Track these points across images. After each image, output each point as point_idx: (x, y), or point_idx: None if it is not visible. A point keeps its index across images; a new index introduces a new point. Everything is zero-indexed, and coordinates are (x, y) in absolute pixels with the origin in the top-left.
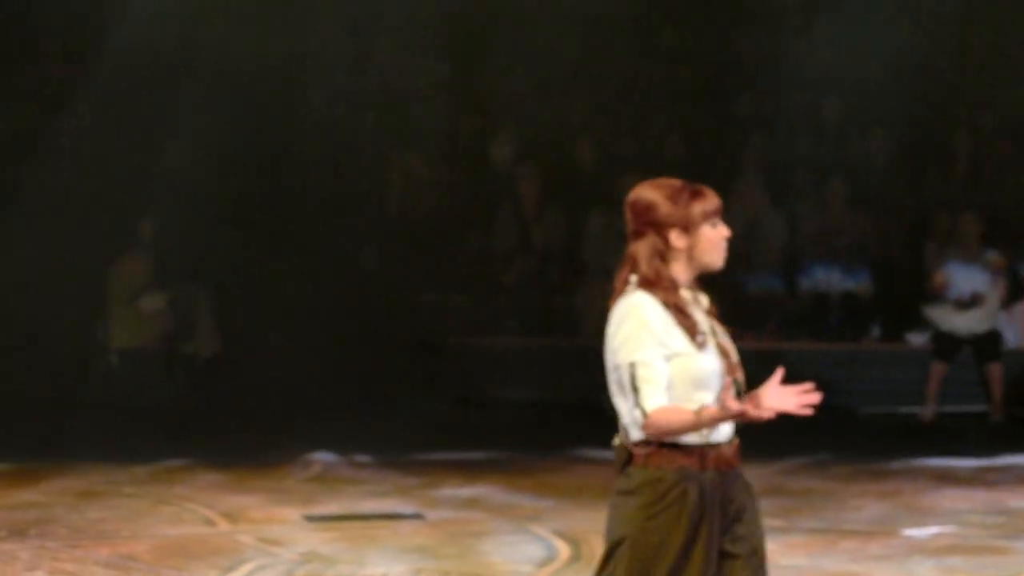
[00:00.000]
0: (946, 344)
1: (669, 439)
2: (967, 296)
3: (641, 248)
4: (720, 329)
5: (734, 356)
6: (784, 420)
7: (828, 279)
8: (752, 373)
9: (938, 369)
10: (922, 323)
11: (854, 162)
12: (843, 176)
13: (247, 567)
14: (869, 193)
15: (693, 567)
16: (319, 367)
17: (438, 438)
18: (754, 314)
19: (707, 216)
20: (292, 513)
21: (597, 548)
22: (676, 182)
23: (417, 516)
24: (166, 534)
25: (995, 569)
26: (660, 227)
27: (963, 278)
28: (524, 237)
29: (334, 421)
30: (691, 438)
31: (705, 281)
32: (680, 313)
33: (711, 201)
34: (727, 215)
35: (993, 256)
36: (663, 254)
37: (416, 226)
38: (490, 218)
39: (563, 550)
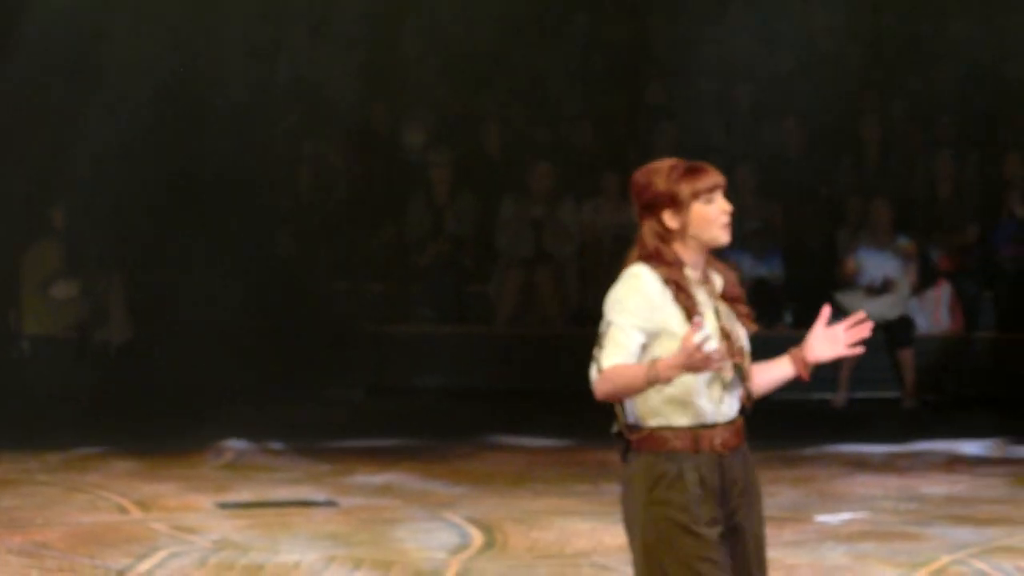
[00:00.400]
0: None
1: (659, 422)
2: (878, 282)
3: (644, 230)
4: (730, 311)
5: (739, 340)
6: None
7: (740, 266)
8: None
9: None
10: (834, 309)
11: (766, 149)
12: (755, 163)
13: (160, 555)
14: (780, 180)
15: (700, 550)
16: (232, 354)
17: (351, 425)
18: None
19: (697, 194)
20: (205, 500)
21: (510, 534)
22: (670, 162)
23: (330, 503)
24: (79, 522)
25: (907, 555)
26: (654, 208)
27: (874, 264)
28: (436, 224)
29: (247, 408)
30: (683, 420)
31: (620, 267)
32: (679, 291)
33: (703, 178)
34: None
35: (904, 242)
36: (662, 235)
37: (328, 213)
38: (402, 205)
39: (476, 537)
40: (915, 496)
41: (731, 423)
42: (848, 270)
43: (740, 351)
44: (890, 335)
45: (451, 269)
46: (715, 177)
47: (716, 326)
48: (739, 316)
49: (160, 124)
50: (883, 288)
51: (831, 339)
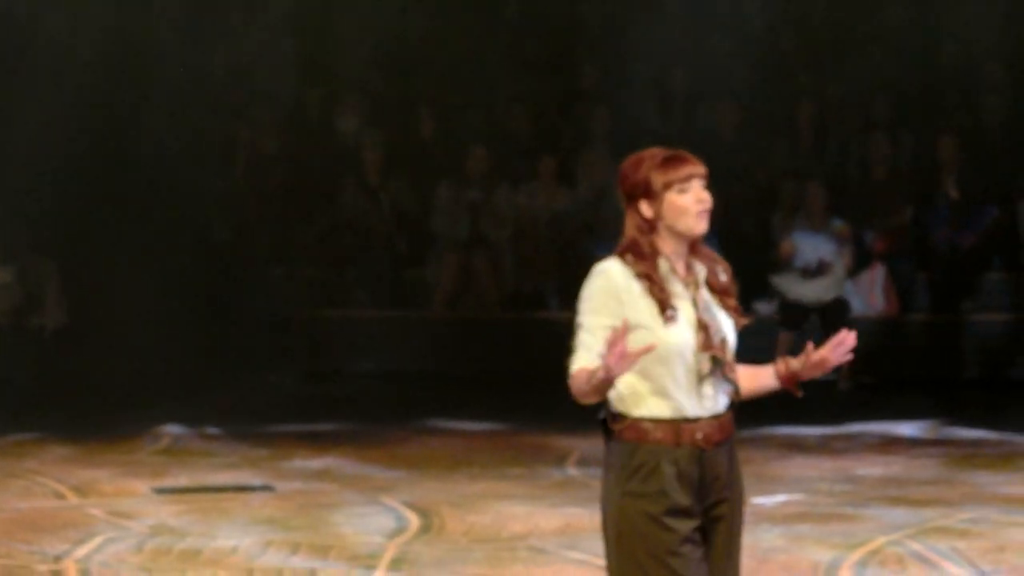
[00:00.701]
0: (793, 313)
1: (641, 413)
2: (814, 265)
3: (626, 220)
4: (714, 302)
5: (719, 333)
6: None
7: None
8: None
9: (785, 338)
10: (769, 292)
11: (700, 133)
12: (689, 147)
13: (97, 540)
14: (715, 163)
15: (671, 544)
16: (168, 339)
17: (288, 410)
18: None
19: (670, 183)
20: (142, 486)
21: (447, 518)
22: (652, 152)
23: (267, 488)
24: (16, 508)
25: (843, 536)
26: (632, 199)
27: (809, 247)
28: (372, 209)
29: (184, 393)
30: (664, 412)
31: (555, 251)
32: (651, 283)
33: (678, 167)
34: (571, 186)
35: (839, 225)
36: (640, 225)
37: (263, 199)
38: (337, 190)
39: (413, 521)
40: (850, 478)
41: (716, 417)
42: (784, 253)
43: (721, 344)
44: (825, 318)
45: (387, 253)
46: (691, 167)
47: (693, 318)
48: (726, 308)
49: (94, 110)
50: (818, 271)
51: (818, 366)
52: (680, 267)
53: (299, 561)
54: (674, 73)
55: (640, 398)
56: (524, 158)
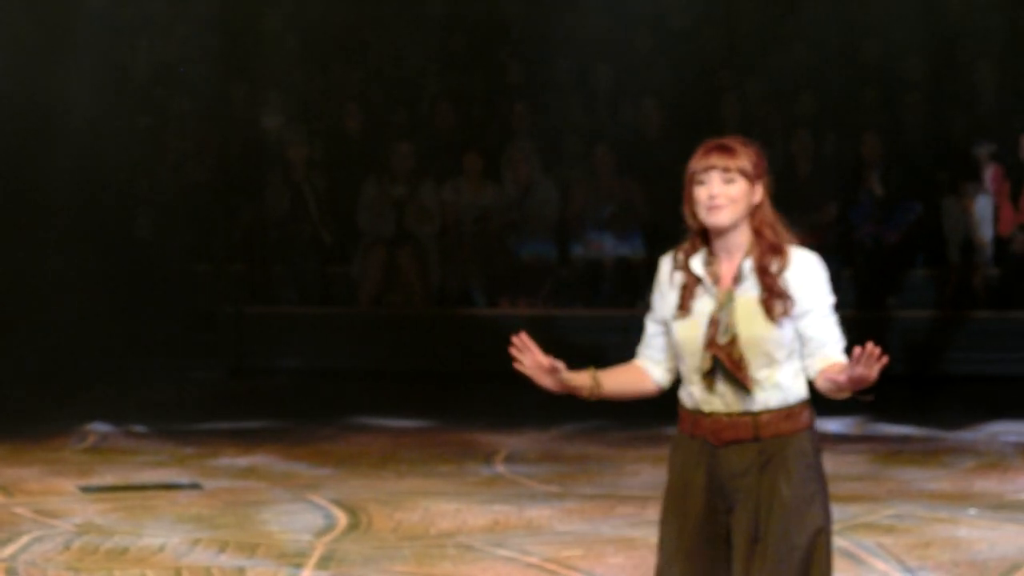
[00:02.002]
0: None
1: (681, 401)
2: None
3: None
4: (758, 299)
5: (729, 330)
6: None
7: (600, 245)
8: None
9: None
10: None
11: (624, 129)
12: (614, 143)
13: (23, 539)
14: (639, 160)
15: (664, 532)
16: (93, 337)
17: (214, 407)
18: (527, 281)
19: (692, 176)
20: (68, 484)
21: (375, 516)
22: (706, 141)
23: (194, 486)
24: None
25: None
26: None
27: None
28: (298, 205)
29: (109, 391)
30: (687, 402)
31: (481, 247)
32: (685, 275)
33: (700, 159)
34: (496, 182)
35: None
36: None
37: (188, 195)
38: (262, 187)
39: (341, 518)
40: None
41: (731, 415)
42: None
43: (729, 342)
44: None
45: (312, 250)
46: (712, 158)
47: (708, 313)
48: (765, 307)
49: (15, 109)
50: None
51: (860, 382)
52: (723, 261)
53: (227, 559)
54: (598, 70)
55: (683, 388)
56: (449, 154)
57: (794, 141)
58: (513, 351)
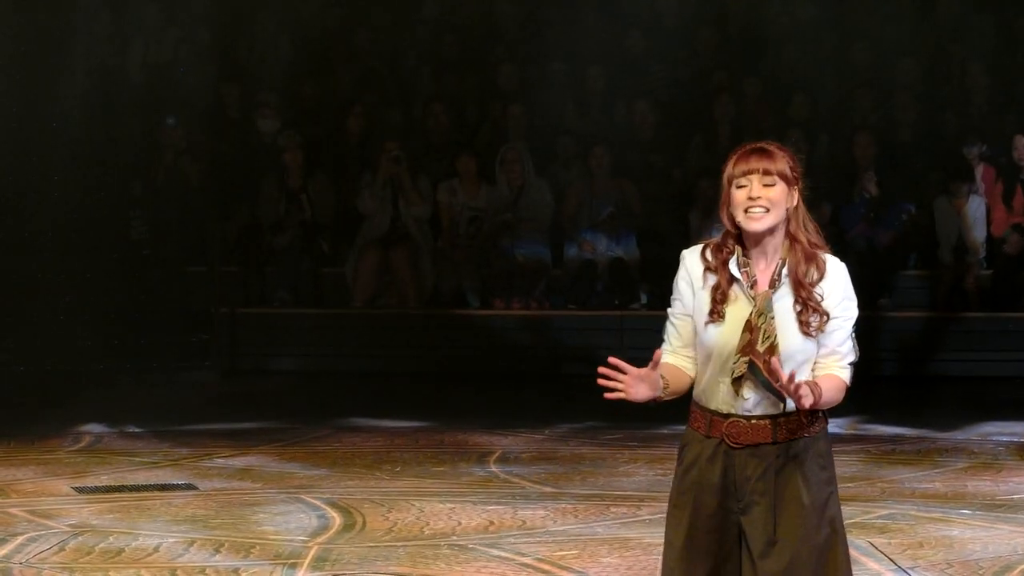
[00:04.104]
0: None
1: (696, 400)
2: None
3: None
4: (793, 307)
5: (768, 339)
6: (550, 388)
7: (594, 247)
8: (518, 340)
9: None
10: None
11: (618, 130)
12: (608, 144)
13: (18, 540)
14: (634, 161)
15: (670, 531)
16: (88, 338)
17: (209, 408)
18: (521, 282)
19: (731, 178)
20: (63, 485)
21: (369, 516)
22: (744, 145)
23: (189, 487)
24: None
25: None
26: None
27: None
28: (292, 207)
29: (104, 392)
30: (705, 402)
31: (475, 249)
32: (715, 279)
33: (740, 162)
34: (489, 184)
35: None
36: (727, 220)
37: (184, 196)
38: (257, 188)
39: (336, 519)
40: None
41: (751, 418)
42: None
43: (768, 350)
44: None
45: (307, 252)
46: (755, 161)
47: (743, 318)
48: (799, 317)
49: (11, 111)
50: None
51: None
52: (758, 264)
53: (222, 560)
54: (591, 71)
55: (700, 387)
56: (444, 156)
57: (787, 142)
58: (605, 381)
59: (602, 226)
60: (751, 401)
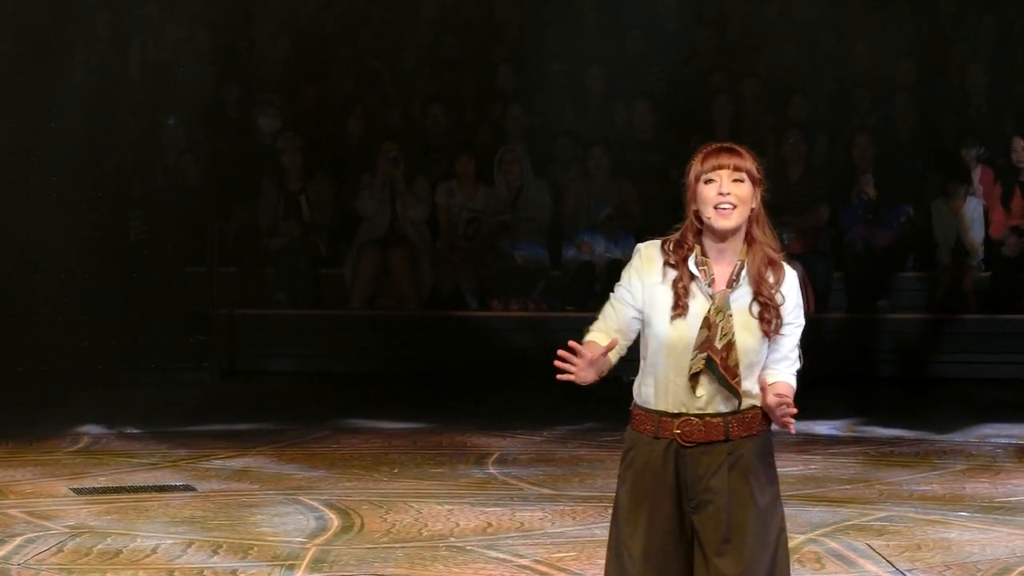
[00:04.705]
0: None
1: (640, 401)
2: None
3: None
4: (750, 306)
5: (726, 336)
6: (548, 389)
7: (593, 248)
8: (516, 341)
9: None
10: None
11: (617, 131)
12: (606, 145)
13: (16, 541)
14: (632, 162)
15: (622, 535)
16: (86, 339)
17: (207, 409)
18: (520, 283)
19: (699, 175)
20: (61, 486)
21: (367, 518)
22: (708, 144)
23: (187, 488)
24: None
25: None
26: (686, 189)
27: None
28: (290, 208)
29: (102, 393)
30: (652, 403)
31: (473, 250)
32: (675, 275)
33: (709, 159)
34: (488, 184)
35: None
36: (689, 217)
37: (183, 197)
38: (255, 189)
39: (334, 520)
40: None
41: (704, 416)
42: None
43: (725, 347)
44: None
45: (305, 253)
46: (724, 158)
47: (701, 315)
48: (759, 316)
49: (9, 111)
50: None
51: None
52: (716, 262)
53: (220, 561)
54: (590, 72)
55: (641, 386)
56: (442, 157)
57: (785, 143)
58: (561, 363)
59: (601, 227)
60: (704, 399)
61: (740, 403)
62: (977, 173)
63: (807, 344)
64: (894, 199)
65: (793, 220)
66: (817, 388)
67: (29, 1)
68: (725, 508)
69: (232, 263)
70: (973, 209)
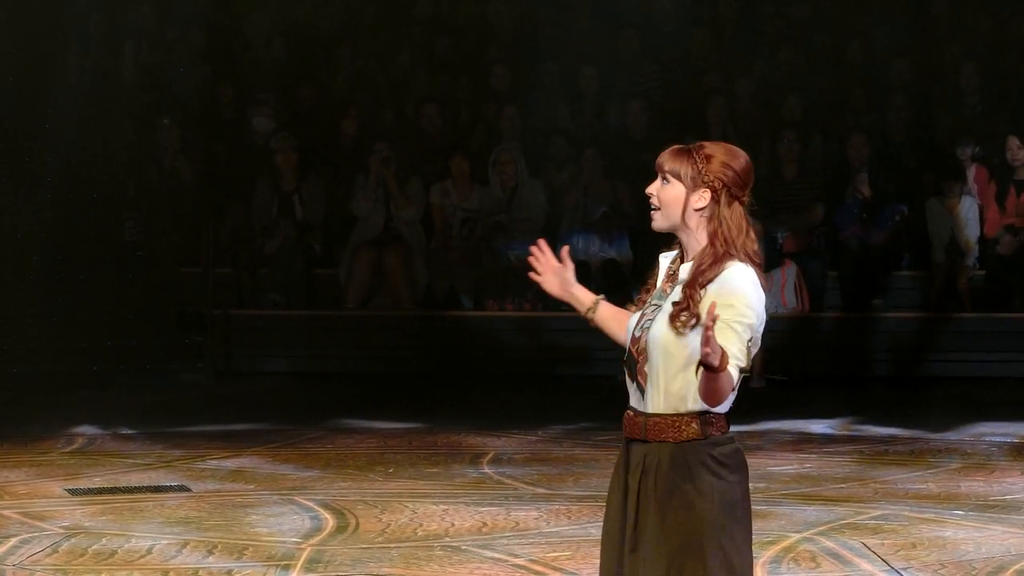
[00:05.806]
0: None
1: None
2: None
3: None
4: (669, 299)
5: (643, 330)
6: (543, 389)
7: (587, 248)
8: (511, 341)
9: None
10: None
11: (611, 131)
12: (600, 145)
13: (11, 542)
14: (627, 162)
15: (607, 527)
16: (82, 339)
17: (202, 410)
18: (514, 283)
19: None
20: (56, 487)
21: (362, 518)
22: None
23: (182, 488)
24: None
25: (757, 534)
26: None
27: None
28: (284, 208)
29: (97, 394)
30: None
31: (468, 250)
32: (658, 271)
33: (659, 159)
34: (483, 185)
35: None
36: None
37: (177, 198)
38: (250, 189)
39: (329, 520)
40: (764, 475)
41: (635, 412)
42: None
43: (638, 338)
44: None
45: (300, 253)
46: (660, 157)
47: (639, 314)
48: (672, 311)
49: (4, 110)
50: None
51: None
52: (685, 261)
53: (215, 562)
54: (584, 73)
55: None
56: (437, 157)
57: (780, 143)
58: (532, 259)
59: (595, 227)
60: (632, 394)
61: (654, 403)
62: (972, 172)
63: (803, 343)
64: (889, 198)
65: (788, 219)
66: (812, 387)
67: (23, 3)
68: (634, 510)
69: (227, 264)
70: (968, 208)
